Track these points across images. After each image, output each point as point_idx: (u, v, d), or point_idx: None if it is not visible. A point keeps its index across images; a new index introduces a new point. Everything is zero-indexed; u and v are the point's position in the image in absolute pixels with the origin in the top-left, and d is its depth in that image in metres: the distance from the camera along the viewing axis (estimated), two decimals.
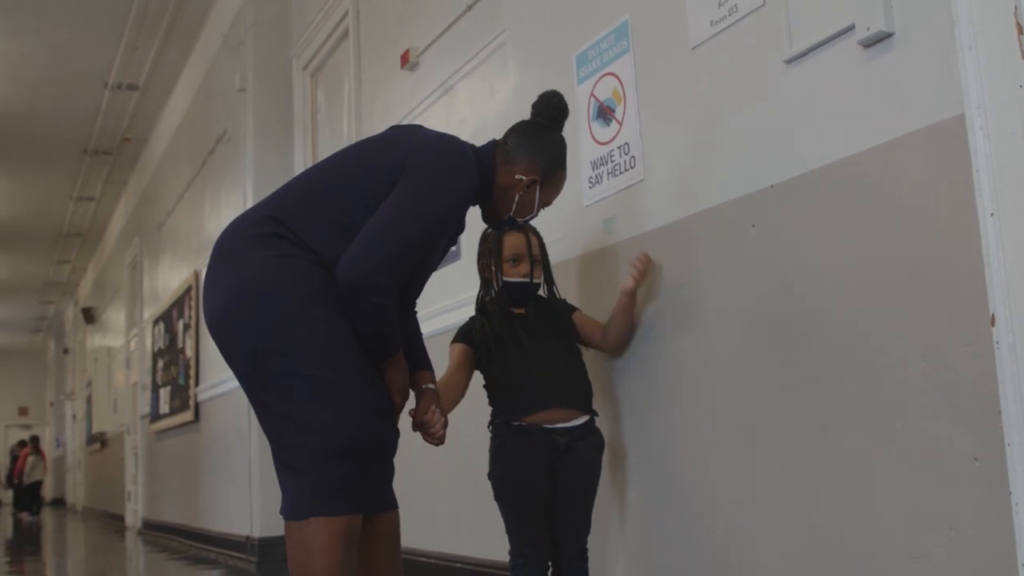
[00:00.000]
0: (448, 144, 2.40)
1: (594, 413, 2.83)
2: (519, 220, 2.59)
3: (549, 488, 2.73)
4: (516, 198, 2.51)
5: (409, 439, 2.49)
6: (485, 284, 2.93)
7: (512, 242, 2.87)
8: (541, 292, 2.96)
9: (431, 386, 2.53)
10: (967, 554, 1.91)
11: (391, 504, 2.38)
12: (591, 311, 2.99)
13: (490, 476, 2.79)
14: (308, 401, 2.18)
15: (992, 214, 1.82)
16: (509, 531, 2.75)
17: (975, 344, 1.88)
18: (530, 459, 2.72)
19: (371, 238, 2.23)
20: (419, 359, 2.55)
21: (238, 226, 2.35)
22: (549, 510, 2.74)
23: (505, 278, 2.87)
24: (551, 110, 2.59)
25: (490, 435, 2.82)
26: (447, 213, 2.33)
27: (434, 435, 2.49)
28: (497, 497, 2.78)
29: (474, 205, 2.53)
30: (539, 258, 2.91)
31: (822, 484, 2.25)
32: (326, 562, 2.13)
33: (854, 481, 2.17)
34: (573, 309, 2.98)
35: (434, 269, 2.57)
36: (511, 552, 2.74)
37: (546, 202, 2.61)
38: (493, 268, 2.89)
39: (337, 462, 2.18)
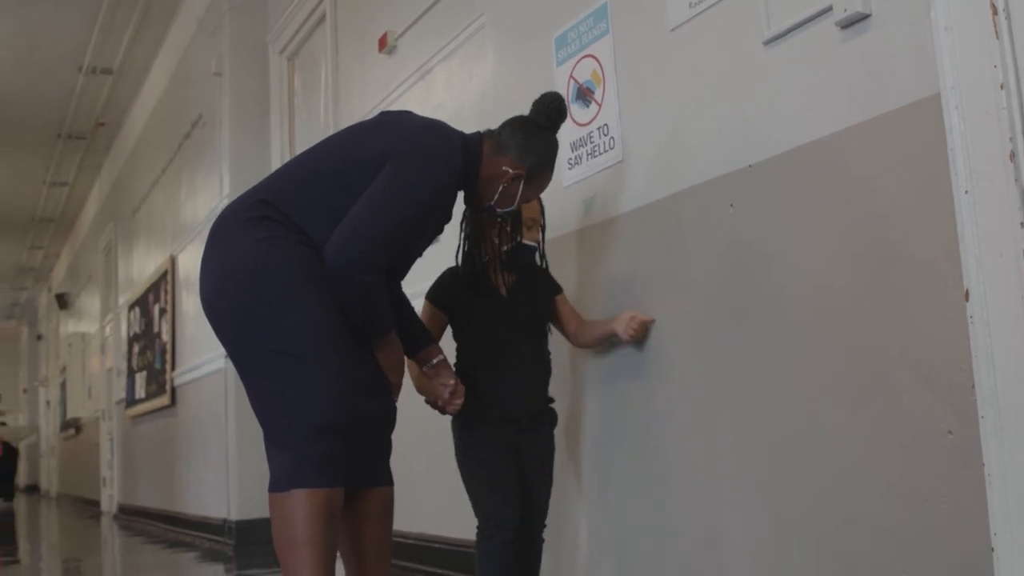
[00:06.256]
0: (436, 130, 2.45)
1: (550, 399, 2.88)
2: (498, 211, 2.61)
3: (514, 466, 2.74)
4: (499, 188, 2.55)
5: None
6: (478, 243, 2.81)
7: (534, 206, 2.79)
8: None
9: (442, 357, 2.63)
10: (940, 527, 1.94)
11: (384, 480, 2.42)
12: (569, 293, 3.00)
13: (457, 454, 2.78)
14: (293, 379, 2.24)
15: (966, 192, 1.85)
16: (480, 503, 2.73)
17: (949, 319, 1.92)
18: (494, 437, 2.73)
19: (359, 218, 2.28)
20: (419, 337, 2.61)
21: (231, 210, 2.41)
22: (514, 486, 2.73)
23: (524, 241, 2.76)
24: (550, 111, 2.62)
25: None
26: (432, 196, 2.39)
27: (457, 404, 2.62)
28: (467, 476, 2.76)
29: (460, 191, 2.56)
30: (544, 225, 2.86)
31: (797, 459, 2.28)
32: (307, 533, 2.18)
33: (828, 455, 2.20)
34: (558, 290, 2.92)
35: (419, 255, 2.60)
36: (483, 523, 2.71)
37: (526, 199, 2.64)
38: (509, 229, 2.75)
39: (319, 438, 2.22)
